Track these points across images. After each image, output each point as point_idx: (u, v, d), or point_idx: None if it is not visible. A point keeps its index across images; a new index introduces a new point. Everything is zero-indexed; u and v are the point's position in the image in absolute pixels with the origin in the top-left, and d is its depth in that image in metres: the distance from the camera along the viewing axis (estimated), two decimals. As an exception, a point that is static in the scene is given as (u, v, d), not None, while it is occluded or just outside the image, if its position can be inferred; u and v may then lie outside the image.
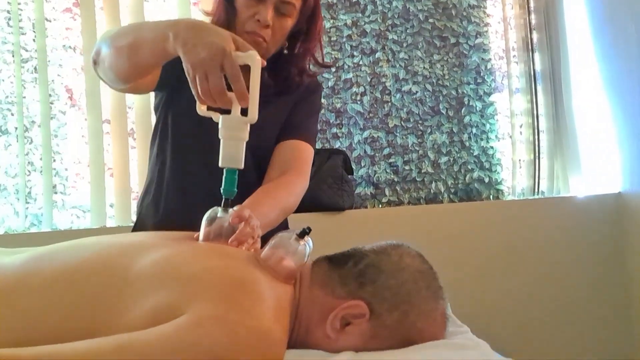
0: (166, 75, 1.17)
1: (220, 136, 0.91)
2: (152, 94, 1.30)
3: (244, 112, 0.90)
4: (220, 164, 0.91)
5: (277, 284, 0.83)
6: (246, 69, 0.89)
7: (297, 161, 1.24)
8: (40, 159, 2.00)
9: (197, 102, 0.94)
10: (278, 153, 1.24)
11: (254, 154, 1.19)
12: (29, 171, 2.00)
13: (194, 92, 0.89)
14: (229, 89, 0.88)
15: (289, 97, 1.26)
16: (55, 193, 2.02)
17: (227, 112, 0.91)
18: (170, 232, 0.97)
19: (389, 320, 0.82)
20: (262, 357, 0.71)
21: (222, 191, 0.91)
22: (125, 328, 0.71)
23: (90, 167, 2.01)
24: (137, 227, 1.26)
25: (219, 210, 0.92)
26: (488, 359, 0.71)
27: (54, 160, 2.02)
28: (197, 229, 0.93)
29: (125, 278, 0.77)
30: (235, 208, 0.92)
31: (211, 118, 0.93)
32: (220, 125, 0.91)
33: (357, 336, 0.82)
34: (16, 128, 2.00)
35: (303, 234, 0.89)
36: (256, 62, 0.89)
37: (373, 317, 0.82)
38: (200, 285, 0.75)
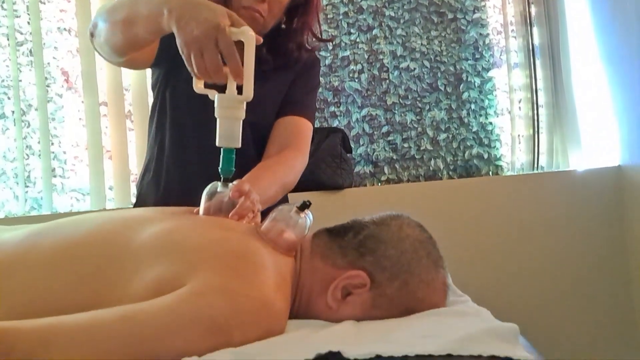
0: (163, 51, 1.16)
1: (216, 115, 0.90)
2: (148, 73, 1.30)
3: (241, 89, 0.89)
4: (217, 144, 0.90)
5: (278, 255, 0.83)
6: (241, 46, 0.88)
7: (296, 138, 1.24)
8: (38, 142, 1.99)
9: (194, 80, 0.93)
10: (277, 129, 1.23)
11: (253, 130, 1.18)
12: (27, 155, 2.00)
13: (189, 69, 0.88)
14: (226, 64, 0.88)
15: (288, 72, 1.26)
16: (55, 176, 2.01)
17: (224, 89, 0.90)
18: (170, 207, 0.97)
19: (389, 290, 0.82)
20: (264, 326, 0.71)
21: (220, 171, 0.91)
22: (127, 300, 0.71)
23: (89, 150, 2.01)
24: (138, 205, 1.26)
25: (218, 185, 0.92)
26: (490, 324, 0.72)
27: (52, 144, 2.02)
28: (198, 205, 0.94)
29: (127, 251, 0.77)
30: (234, 183, 0.92)
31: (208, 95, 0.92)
32: (216, 104, 0.90)
33: (358, 306, 0.82)
34: (13, 112, 1.99)
35: (303, 206, 0.89)
36: (249, 38, 0.87)
37: (374, 287, 0.82)
38: (202, 257, 0.75)
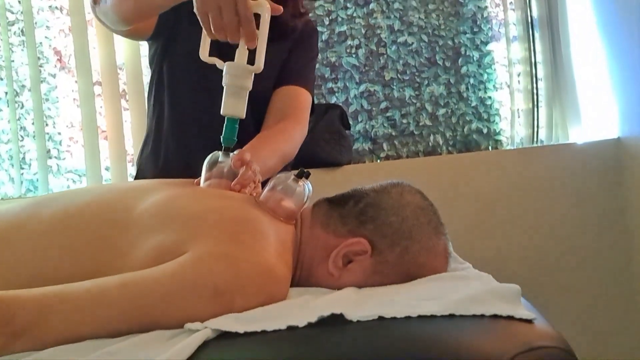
0: (161, 24, 1.15)
1: (223, 84, 0.89)
2: (143, 52, 1.28)
3: (250, 61, 0.89)
4: (222, 112, 0.89)
5: (279, 223, 0.82)
6: (257, 19, 0.88)
7: (295, 108, 1.23)
8: (33, 123, 1.97)
9: (201, 47, 0.92)
10: (275, 100, 1.22)
11: (251, 100, 1.17)
12: (21, 136, 1.98)
13: (204, 27, 0.88)
14: None
15: (285, 42, 1.24)
16: (50, 158, 2.00)
17: (230, 60, 0.89)
18: (169, 179, 0.96)
19: (390, 256, 0.82)
20: (266, 292, 0.71)
21: (222, 140, 0.90)
22: (128, 268, 0.71)
23: (84, 131, 1.98)
24: (138, 179, 1.26)
25: (219, 155, 0.91)
26: (491, 285, 0.71)
27: (47, 125, 1.99)
28: (197, 177, 0.93)
29: (127, 219, 0.76)
30: (235, 152, 0.91)
31: (211, 66, 0.91)
32: (224, 72, 0.89)
33: (360, 273, 0.82)
34: (6, 93, 1.97)
35: (301, 174, 0.88)
36: (266, 10, 0.87)
37: (375, 254, 0.82)
38: (202, 225, 0.74)
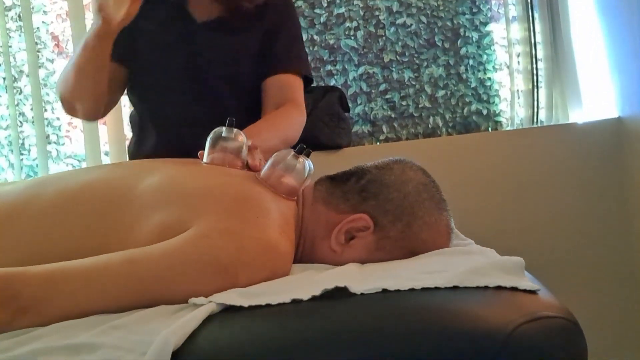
0: (122, 54, 1.19)
1: None
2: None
3: None
4: None
5: (280, 200, 0.82)
6: None
7: (291, 95, 1.23)
8: (31, 109, 1.96)
9: None
10: (268, 91, 1.23)
11: (229, 82, 1.19)
12: (20, 122, 1.97)
13: None
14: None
15: (258, 22, 1.23)
16: (49, 143, 1.99)
17: None
18: (171, 158, 0.96)
19: (392, 232, 0.82)
20: (269, 267, 0.71)
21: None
22: (132, 245, 0.71)
23: (83, 116, 1.98)
24: None
25: (223, 130, 0.91)
26: (496, 259, 0.71)
27: (45, 110, 1.99)
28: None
29: (129, 197, 0.76)
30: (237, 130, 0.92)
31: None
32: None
33: (362, 249, 0.82)
34: (4, 79, 1.96)
35: (300, 150, 0.88)
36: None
37: (377, 230, 0.82)
38: (205, 201, 0.74)
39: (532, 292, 0.62)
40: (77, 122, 2.02)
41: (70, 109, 1.18)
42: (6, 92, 1.95)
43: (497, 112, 2.16)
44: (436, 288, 0.62)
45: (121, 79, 1.25)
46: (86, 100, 1.13)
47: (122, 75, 1.25)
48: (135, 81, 1.26)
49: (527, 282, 0.63)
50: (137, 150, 1.26)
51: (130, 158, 1.30)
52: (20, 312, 0.62)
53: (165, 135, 1.23)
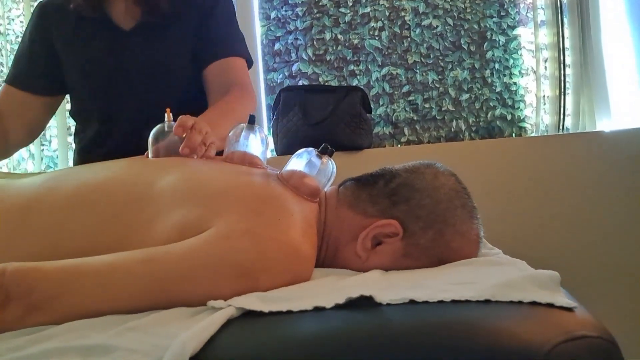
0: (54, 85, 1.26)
1: None
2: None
3: None
4: None
5: (302, 201, 0.80)
6: None
7: (235, 78, 1.22)
8: (53, 100, 1.96)
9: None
10: (211, 78, 1.22)
11: (170, 79, 1.20)
12: (42, 113, 1.97)
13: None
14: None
15: (188, 11, 1.22)
16: (70, 135, 1.99)
17: None
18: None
19: (423, 239, 0.79)
20: (291, 271, 0.69)
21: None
22: (150, 243, 0.68)
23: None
24: None
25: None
26: (529, 271, 0.68)
27: (67, 102, 1.98)
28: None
29: (148, 194, 0.74)
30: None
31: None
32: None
33: (389, 255, 0.79)
34: (26, 69, 1.95)
35: (324, 150, 0.85)
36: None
37: (406, 236, 0.79)
38: (227, 200, 0.72)
39: (569, 309, 0.58)
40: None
41: None
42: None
43: (521, 118, 2.12)
44: (467, 301, 0.59)
45: (54, 106, 1.34)
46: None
47: (56, 103, 1.34)
48: (74, 102, 1.31)
49: (563, 298, 0.59)
50: (95, 150, 1.24)
51: (87, 155, 1.26)
52: (33, 308, 0.61)
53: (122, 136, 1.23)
